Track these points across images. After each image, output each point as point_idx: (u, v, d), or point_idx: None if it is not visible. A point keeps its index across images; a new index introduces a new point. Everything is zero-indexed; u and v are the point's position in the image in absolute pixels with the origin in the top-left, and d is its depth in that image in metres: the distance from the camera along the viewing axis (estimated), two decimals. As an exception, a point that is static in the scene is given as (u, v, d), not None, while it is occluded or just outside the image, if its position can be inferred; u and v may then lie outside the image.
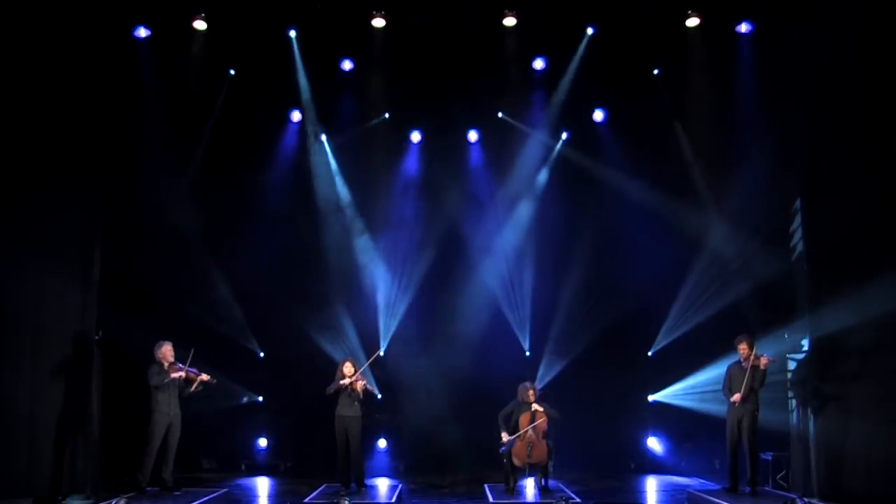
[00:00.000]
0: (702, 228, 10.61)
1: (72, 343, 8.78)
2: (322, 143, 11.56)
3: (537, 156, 11.60)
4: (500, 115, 11.49)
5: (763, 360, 8.51)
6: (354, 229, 11.67)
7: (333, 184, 11.64)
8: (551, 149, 11.61)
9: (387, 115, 11.38)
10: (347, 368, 9.12)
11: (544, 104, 11.18)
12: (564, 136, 11.54)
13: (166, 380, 8.47)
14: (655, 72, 10.75)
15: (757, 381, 8.56)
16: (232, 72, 10.74)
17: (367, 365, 9.72)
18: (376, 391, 10.72)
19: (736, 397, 8.56)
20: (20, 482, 8.42)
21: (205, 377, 8.73)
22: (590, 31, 10.46)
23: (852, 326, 8.51)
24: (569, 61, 10.77)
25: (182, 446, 8.77)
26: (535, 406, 9.09)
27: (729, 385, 8.76)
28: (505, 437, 8.99)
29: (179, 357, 8.69)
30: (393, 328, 11.53)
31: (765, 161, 9.47)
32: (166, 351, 8.63)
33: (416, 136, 11.73)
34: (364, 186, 11.67)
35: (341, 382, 8.99)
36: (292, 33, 10.48)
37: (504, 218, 11.72)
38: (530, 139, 11.47)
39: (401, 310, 11.58)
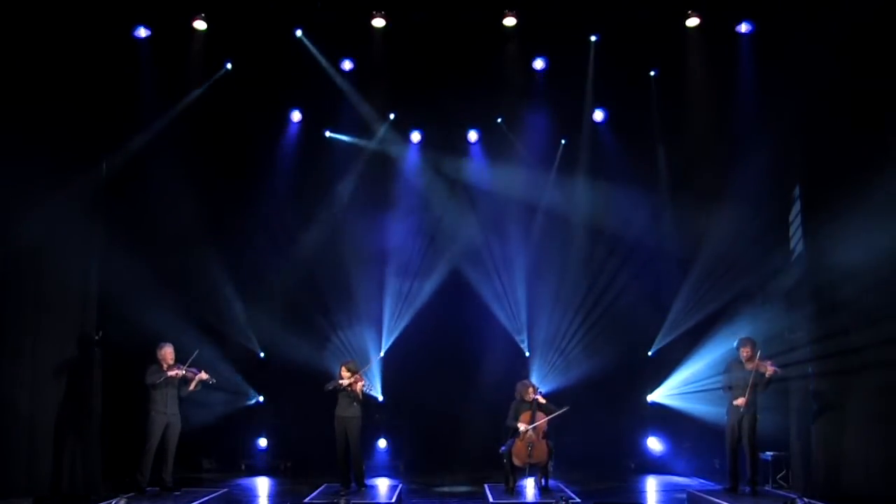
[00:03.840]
0: (702, 227, 10.60)
1: (72, 343, 8.80)
2: (323, 143, 11.57)
3: (537, 155, 11.59)
4: (499, 121, 11.51)
5: (769, 369, 8.38)
6: (355, 229, 11.66)
7: (333, 184, 11.64)
8: (550, 148, 11.61)
9: (392, 116, 11.42)
10: (347, 371, 9.10)
11: (544, 105, 11.17)
12: (565, 135, 11.54)
13: (161, 378, 8.46)
14: (652, 73, 10.77)
15: (760, 386, 8.46)
16: (228, 65, 10.71)
17: (367, 367, 9.69)
18: (376, 393, 10.74)
19: (740, 401, 8.44)
20: (20, 482, 8.42)
21: (203, 376, 8.71)
22: (593, 38, 10.52)
23: (853, 325, 8.50)
24: (569, 62, 10.77)
25: (182, 446, 8.76)
26: (540, 399, 9.10)
27: (728, 382, 8.70)
28: (522, 426, 8.96)
29: (182, 359, 8.66)
30: (395, 329, 11.53)
31: (764, 160, 9.47)
32: (166, 353, 8.62)
33: (415, 136, 11.75)
34: (363, 186, 11.66)
35: (340, 382, 8.99)
36: (298, 33, 10.48)
37: (503, 217, 11.70)
38: (529, 139, 11.47)
39: (403, 310, 11.58)
